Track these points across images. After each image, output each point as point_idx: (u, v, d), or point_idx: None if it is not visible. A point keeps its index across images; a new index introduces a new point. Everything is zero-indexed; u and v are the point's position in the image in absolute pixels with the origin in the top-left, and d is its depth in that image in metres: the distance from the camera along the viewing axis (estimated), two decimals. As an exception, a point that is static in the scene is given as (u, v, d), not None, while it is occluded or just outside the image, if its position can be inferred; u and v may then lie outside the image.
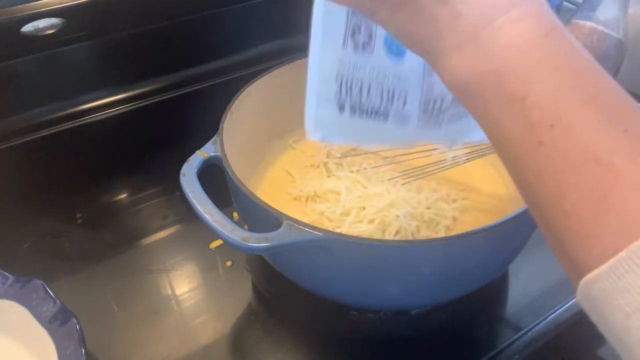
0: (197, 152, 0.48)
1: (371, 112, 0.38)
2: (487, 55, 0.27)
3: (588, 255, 0.24)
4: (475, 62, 0.27)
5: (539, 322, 0.50)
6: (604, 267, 0.23)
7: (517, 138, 0.26)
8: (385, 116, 0.39)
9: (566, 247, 0.25)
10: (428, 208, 0.54)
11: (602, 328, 0.25)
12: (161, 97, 0.73)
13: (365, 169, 0.61)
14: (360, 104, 0.38)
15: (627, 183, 0.23)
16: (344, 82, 0.37)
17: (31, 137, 0.66)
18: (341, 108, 0.38)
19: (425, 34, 0.29)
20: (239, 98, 0.55)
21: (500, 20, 0.27)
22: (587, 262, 0.24)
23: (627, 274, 0.22)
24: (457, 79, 0.28)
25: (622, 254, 0.22)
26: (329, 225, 0.53)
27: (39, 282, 0.47)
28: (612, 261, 0.23)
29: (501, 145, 0.28)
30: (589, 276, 0.24)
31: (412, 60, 0.38)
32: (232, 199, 0.50)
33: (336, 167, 0.62)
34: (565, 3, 0.90)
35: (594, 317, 0.25)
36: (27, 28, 0.59)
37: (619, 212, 0.23)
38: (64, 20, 0.61)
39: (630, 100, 0.25)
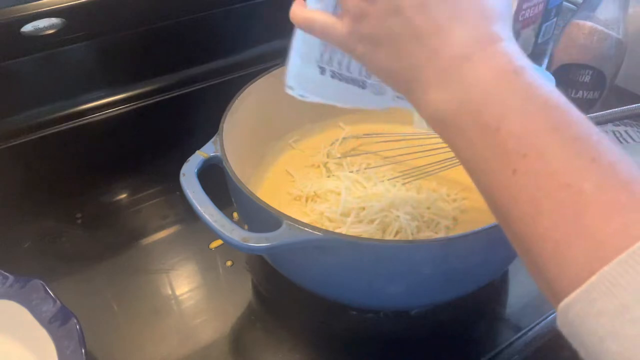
0: (197, 152, 0.48)
1: (350, 80, 0.40)
2: (463, 89, 0.29)
3: (564, 279, 0.25)
4: (452, 95, 0.29)
5: (539, 322, 0.50)
6: (578, 291, 0.24)
7: (493, 166, 0.28)
8: (363, 85, 0.40)
9: (543, 271, 0.26)
10: (428, 208, 0.54)
11: (582, 353, 0.25)
12: (161, 97, 0.73)
13: (365, 169, 0.61)
14: (340, 73, 0.39)
15: (597, 208, 0.24)
16: (326, 52, 0.38)
17: (31, 137, 0.66)
18: (322, 71, 0.39)
19: (403, 70, 0.31)
20: (239, 98, 0.55)
21: (475, 57, 0.29)
22: (563, 285, 0.25)
23: (599, 298, 0.23)
24: (435, 111, 0.30)
25: (594, 279, 0.23)
26: (329, 226, 0.53)
27: (39, 282, 0.47)
28: (585, 285, 0.23)
29: (478, 173, 0.29)
30: (565, 301, 0.24)
31: None
32: (232, 199, 0.50)
33: (336, 167, 0.62)
34: (565, 3, 0.90)
35: (574, 343, 0.26)
36: (27, 28, 0.59)
37: (590, 236, 0.24)
38: (64, 20, 0.61)
39: (596, 130, 0.26)
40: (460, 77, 0.29)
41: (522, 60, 0.29)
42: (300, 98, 0.41)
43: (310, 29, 0.36)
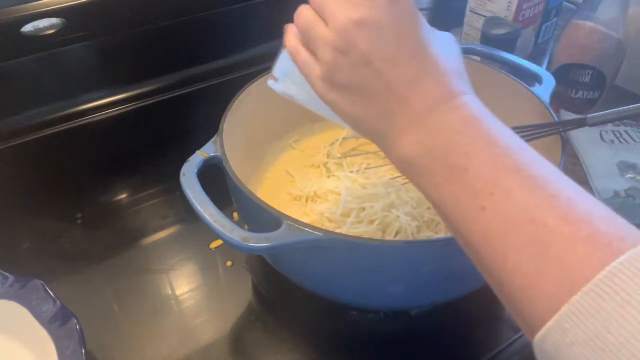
0: (197, 152, 0.48)
1: None
2: (433, 134, 0.31)
3: (536, 311, 0.26)
4: (422, 140, 0.32)
5: (539, 322, 0.50)
6: (550, 322, 0.25)
7: (462, 204, 0.29)
8: None
9: (517, 305, 0.27)
10: (428, 208, 0.54)
11: None
12: (161, 97, 0.73)
13: (365, 169, 0.61)
14: None
15: (561, 241, 0.25)
16: None
17: (31, 137, 0.66)
18: None
19: (373, 118, 0.34)
20: (239, 98, 0.55)
21: (442, 107, 0.32)
22: (536, 317, 0.26)
23: (571, 328, 0.24)
24: (406, 154, 0.32)
25: (564, 309, 0.24)
26: (329, 226, 0.53)
27: (39, 282, 0.47)
28: (557, 316, 0.24)
29: (448, 213, 0.31)
30: (540, 333, 0.25)
31: None
32: (232, 199, 0.50)
33: (336, 167, 0.62)
34: (565, 3, 0.90)
35: None
36: (27, 28, 0.59)
37: (557, 267, 0.25)
38: (64, 20, 0.61)
39: (554, 169, 0.29)
40: (430, 123, 0.32)
41: (483, 109, 0.32)
42: (280, 93, 0.41)
43: (295, 58, 0.38)
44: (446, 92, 0.32)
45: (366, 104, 0.34)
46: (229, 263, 0.57)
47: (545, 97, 0.55)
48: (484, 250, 0.29)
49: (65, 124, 0.68)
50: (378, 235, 0.52)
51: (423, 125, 0.32)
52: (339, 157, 0.64)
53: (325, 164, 0.63)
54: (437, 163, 0.31)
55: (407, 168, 0.33)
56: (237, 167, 0.47)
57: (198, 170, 0.46)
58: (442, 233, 0.53)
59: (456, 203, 0.30)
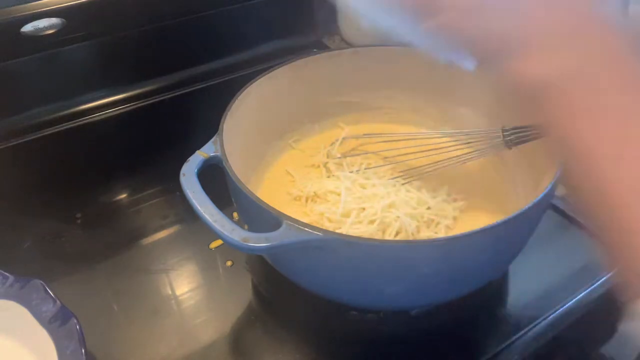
0: (197, 152, 0.48)
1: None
2: (582, 58, 0.27)
3: None
4: (567, 64, 0.27)
5: (539, 322, 0.50)
6: None
7: (597, 146, 0.26)
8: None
9: (630, 259, 0.25)
10: (428, 208, 0.54)
11: None
12: (161, 97, 0.73)
13: (365, 169, 0.61)
14: None
15: None
16: None
17: (31, 137, 0.66)
18: None
19: (500, 33, 0.29)
20: (239, 98, 0.55)
21: (590, 27, 0.28)
22: None
23: None
24: (538, 78, 0.28)
25: None
26: (329, 226, 0.53)
27: (39, 282, 0.47)
28: None
29: (576, 150, 0.27)
30: None
31: None
32: (232, 199, 0.50)
33: (336, 167, 0.62)
34: (565, 3, 0.90)
35: None
36: (27, 28, 0.59)
37: None
38: (64, 20, 0.61)
39: None
40: (570, 50, 0.28)
41: (623, 44, 0.28)
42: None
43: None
44: (586, 15, 0.28)
45: (495, 19, 0.29)
46: (229, 263, 0.57)
47: (545, 97, 0.55)
48: (608, 199, 0.26)
49: (65, 124, 0.68)
50: (378, 235, 0.51)
51: (564, 49, 0.28)
52: (339, 157, 0.63)
53: (325, 164, 0.63)
54: (579, 92, 0.27)
55: (537, 92, 0.29)
56: (237, 167, 0.47)
57: (198, 170, 0.46)
58: (442, 233, 0.53)
59: (591, 142, 0.26)
